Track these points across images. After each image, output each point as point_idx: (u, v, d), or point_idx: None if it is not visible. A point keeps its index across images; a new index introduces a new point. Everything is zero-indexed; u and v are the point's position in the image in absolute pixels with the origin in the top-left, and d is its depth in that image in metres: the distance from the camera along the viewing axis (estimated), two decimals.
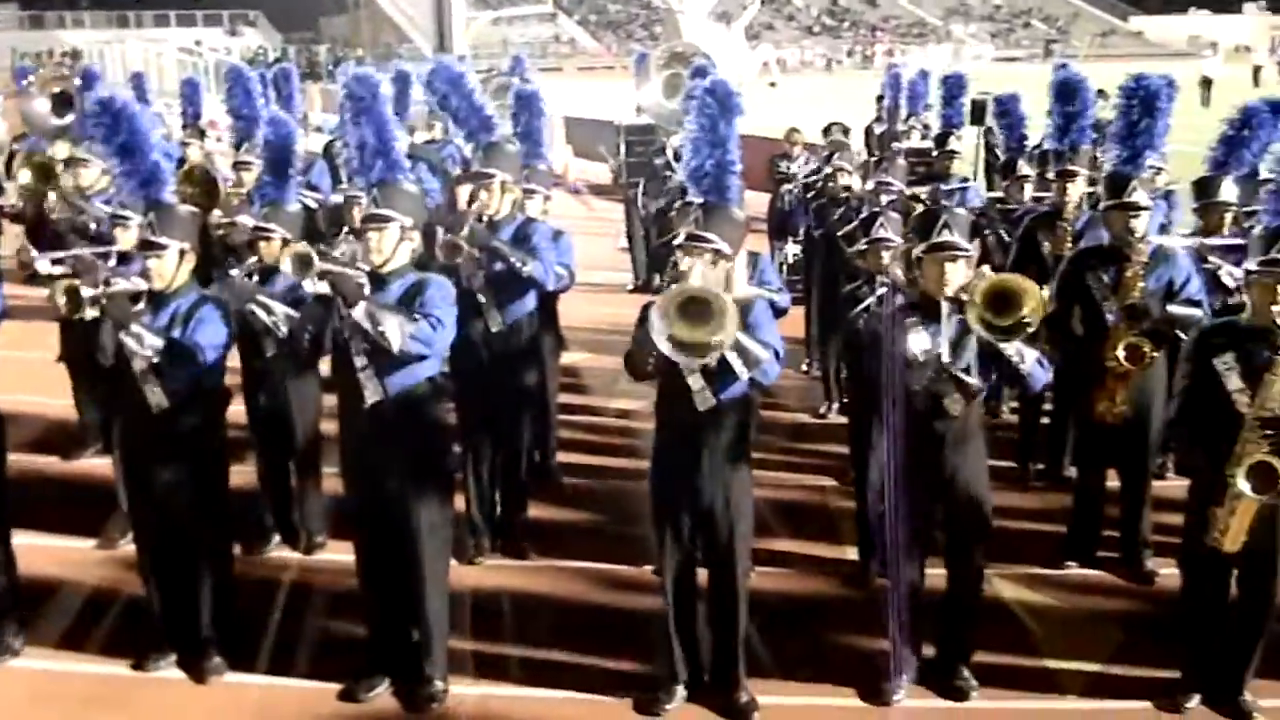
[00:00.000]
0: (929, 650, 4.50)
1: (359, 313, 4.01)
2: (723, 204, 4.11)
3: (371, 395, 4.20)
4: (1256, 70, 41.81)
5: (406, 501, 4.27)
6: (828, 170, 7.87)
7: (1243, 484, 3.83)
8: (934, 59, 37.15)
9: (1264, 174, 5.54)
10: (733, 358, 3.86)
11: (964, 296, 4.07)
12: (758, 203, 11.75)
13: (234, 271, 5.29)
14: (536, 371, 5.91)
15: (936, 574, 4.45)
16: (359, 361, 4.18)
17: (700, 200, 4.17)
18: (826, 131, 9.86)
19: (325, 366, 4.66)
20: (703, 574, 4.34)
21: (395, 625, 4.44)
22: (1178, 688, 4.31)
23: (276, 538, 5.69)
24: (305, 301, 4.53)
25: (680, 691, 4.32)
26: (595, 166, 16.78)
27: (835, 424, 7.21)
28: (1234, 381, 3.97)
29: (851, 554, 5.52)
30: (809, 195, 8.65)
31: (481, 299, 5.36)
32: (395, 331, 4.00)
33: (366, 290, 4.10)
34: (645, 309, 4.01)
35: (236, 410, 5.06)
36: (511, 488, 5.65)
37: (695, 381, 4.03)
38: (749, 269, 5.26)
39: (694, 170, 4.11)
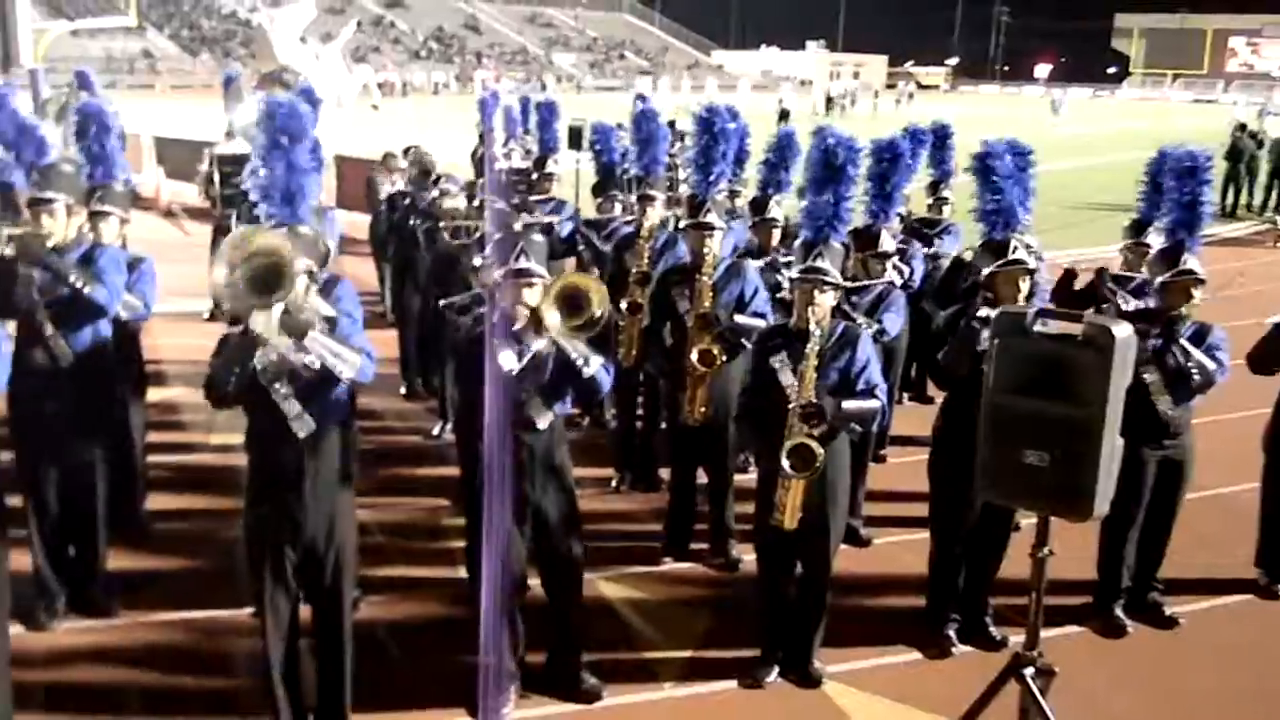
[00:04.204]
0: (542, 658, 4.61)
1: None
2: (293, 221, 3.99)
3: None
4: (829, 100, 47.50)
5: None
6: (434, 193, 7.92)
7: (785, 464, 4.28)
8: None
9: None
10: (328, 356, 3.75)
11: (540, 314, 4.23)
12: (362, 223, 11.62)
13: None
14: (112, 409, 5.41)
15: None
16: None
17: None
18: (406, 152, 10.10)
19: None
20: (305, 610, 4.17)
21: None
22: (757, 664, 4.72)
23: None
24: None
25: None
26: (192, 189, 15.74)
27: (448, 444, 7.22)
28: (786, 377, 4.45)
29: (463, 573, 5.54)
30: (409, 216, 8.63)
31: (46, 330, 4.84)
32: None
33: None
34: (223, 339, 3.81)
35: None
36: (87, 537, 5.14)
37: (291, 407, 3.88)
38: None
39: (263, 189, 3.96)
